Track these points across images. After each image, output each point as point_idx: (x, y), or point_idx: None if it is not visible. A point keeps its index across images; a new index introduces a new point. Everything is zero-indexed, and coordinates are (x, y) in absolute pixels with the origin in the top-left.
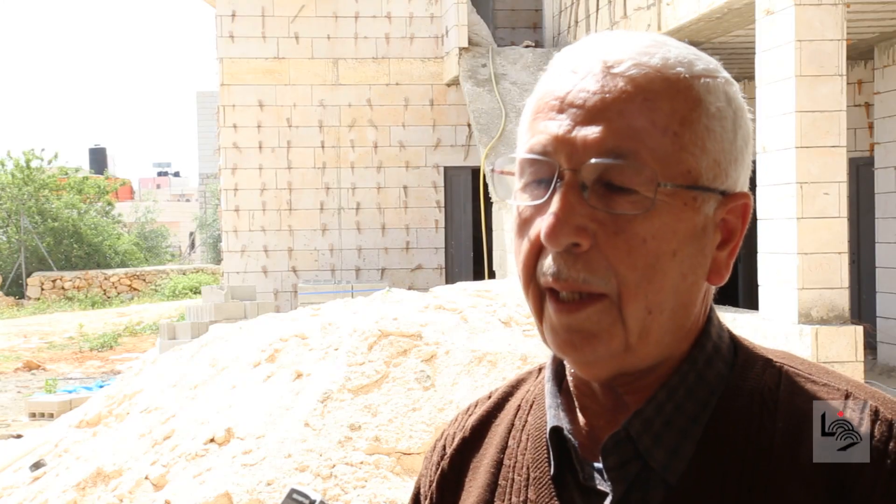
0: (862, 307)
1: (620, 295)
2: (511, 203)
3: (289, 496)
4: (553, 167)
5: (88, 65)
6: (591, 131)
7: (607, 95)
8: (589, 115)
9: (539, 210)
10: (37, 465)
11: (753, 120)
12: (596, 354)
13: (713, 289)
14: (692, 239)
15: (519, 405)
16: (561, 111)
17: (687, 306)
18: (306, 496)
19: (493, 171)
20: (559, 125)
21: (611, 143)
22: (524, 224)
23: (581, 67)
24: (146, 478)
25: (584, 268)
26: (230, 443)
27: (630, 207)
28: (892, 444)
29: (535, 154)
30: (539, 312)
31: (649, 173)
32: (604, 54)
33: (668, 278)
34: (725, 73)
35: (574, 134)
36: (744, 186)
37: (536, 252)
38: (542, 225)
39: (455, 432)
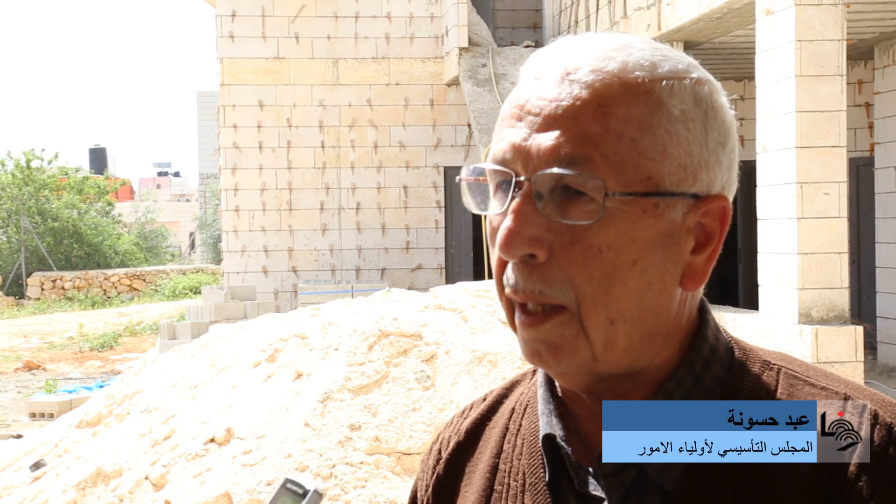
0: (862, 307)
1: (580, 306)
2: (481, 212)
3: (283, 486)
4: (510, 176)
5: (88, 65)
6: (546, 139)
7: (563, 102)
8: (545, 122)
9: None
10: (37, 465)
11: (749, 120)
12: (562, 366)
13: (699, 292)
14: (655, 246)
15: (513, 408)
16: (520, 119)
17: (658, 314)
18: (300, 486)
19: (459, 180)
20: (517, 133)
21: (563, 151)
22: (493, 233)
23: (543, 74)
24: (146, 478)
25: (541, 279)
26: (230, 443)
27: (582, 217)
28: (891, 448)
29: (495, 163)
30: (512, 321)
31: (599, 182)
32: (564, 60)
33: (629, 288)
34: (699, 73)
35: (529, 142)
36: (724, 188)
37: (504, 262)
38: (498, 235)
39: (450, 436)
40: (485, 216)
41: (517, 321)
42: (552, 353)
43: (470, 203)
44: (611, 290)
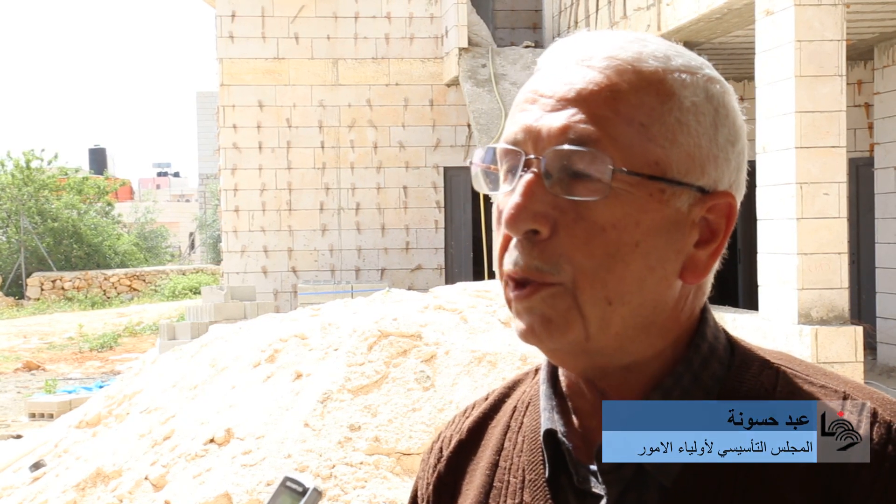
0: (862, 307)
1: (576, 282)
2: (491, 193)
3: (282, 484)
4: (520, 156)
5: (88, 65)
6: (556, 119)
7: (576, 85)
8: (557, 104)
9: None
10: (37, 466)
11: (749, 120)
12: (554, 342)
13: (705, 288)
14: (659, 232)
15: (515, 406)
16: (534, 102)
17: (656, 302)
18: (300, 484)
19: (470, 163)
20: (530, 115)
21: (573, 131)
22: (500, 215)
23: (558, 61)
24: (146, 478)
25: (539, 255)
26: (230, 443)
27: (589, 193)
28: (890, 446)
29: (507, 144)
30: (509, 301)
31: (607, 160)
32: (580, 50)
33: (630, 269)
34: (711, 72)
35: (540, 122)
36: (732, 187)
37: (507, 242)
38: (504, 211)
39: (452, 434)
40: (493, 204)
41: (511, 295)
42: (544, 327)
43: (476, 184)
44: (612, 269)
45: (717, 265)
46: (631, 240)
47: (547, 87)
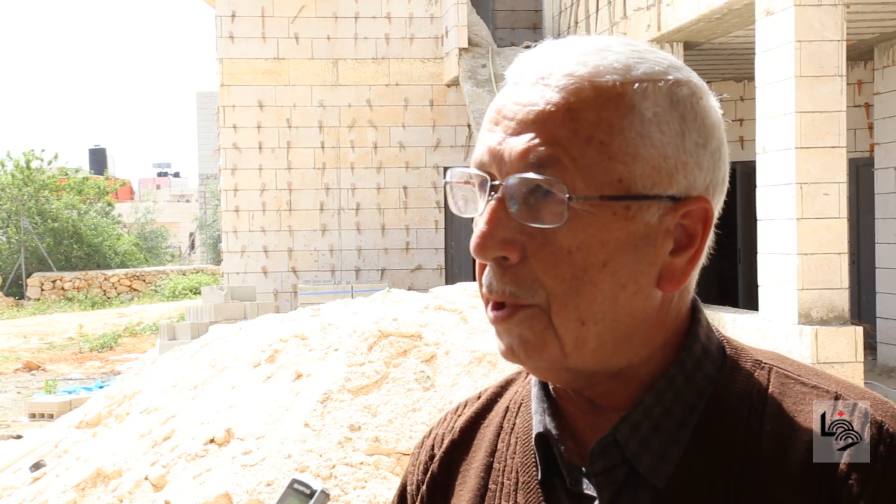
0: (862, 307)
1: (550, 306)
2: (461, 215)
3: (290, 486)
4: (486, 179)
5: (88, 65)
6: (517, 143)
7: (535, 107)
8: (518, 126)
9: None
10: (37, 466)
11: (749, 120)
12: (533, 362)
13: (690, 287)
14: (627, 248)
15: (507, 407)
16: (497, 123)
17: (634, 315)
18: (307, 486)
19: (446, 183)
20: (494, 137)
21: (533, 155)
22: None
23: (521, 79)
24: (146, 478)
25: (512, 280)
26: (230, 443)
27: (550, 219)
28: (881, 447)
29: (475, 167)
30: (491, 321)
31: (563, 187)
32: (540, 65)
33: (600, 290)
34: (678, 75)
35: (503, 146)
36: (709, 189)
37: (484, 264)
38: (472, 238)
39: (444, 433)
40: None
41: (490, 315)
42: (523, 348)
43: (452, 205)
44: (581, 291)
45: (698, 268)
46: (597, 260)
47: (509, 109)
